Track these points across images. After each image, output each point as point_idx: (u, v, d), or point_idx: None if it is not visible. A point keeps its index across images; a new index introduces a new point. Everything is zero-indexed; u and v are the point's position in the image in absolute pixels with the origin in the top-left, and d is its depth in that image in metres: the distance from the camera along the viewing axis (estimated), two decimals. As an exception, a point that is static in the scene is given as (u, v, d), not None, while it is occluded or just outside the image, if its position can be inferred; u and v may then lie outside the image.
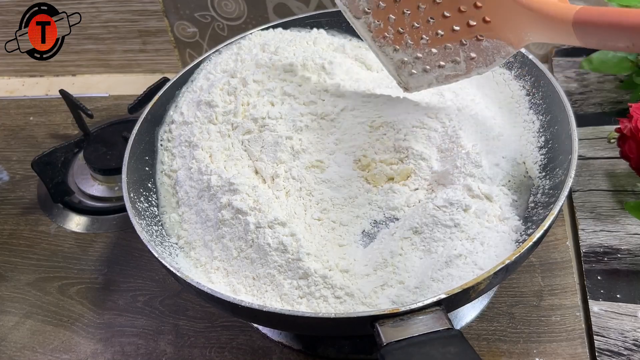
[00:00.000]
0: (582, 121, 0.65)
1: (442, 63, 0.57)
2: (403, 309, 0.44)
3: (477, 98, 0.66)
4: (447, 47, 0.56)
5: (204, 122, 0.64)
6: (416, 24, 0.56)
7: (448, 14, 0.54)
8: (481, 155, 0.57)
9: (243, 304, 0.48)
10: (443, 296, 0.45)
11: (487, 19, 0.52)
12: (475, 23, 0.53)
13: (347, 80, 0.65)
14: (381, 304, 0.50)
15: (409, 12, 0.56)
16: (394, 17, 0.57)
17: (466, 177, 0.57)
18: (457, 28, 0.54)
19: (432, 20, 0.55)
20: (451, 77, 0.58)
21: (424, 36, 0.56)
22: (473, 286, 0.46)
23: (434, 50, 0.57)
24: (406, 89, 0.61)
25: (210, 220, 0.57)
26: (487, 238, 0.53)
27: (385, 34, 0.58)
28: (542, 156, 0.59)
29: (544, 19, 0.48)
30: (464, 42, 0.55)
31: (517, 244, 0.53)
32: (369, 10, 0.57)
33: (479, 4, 0.52)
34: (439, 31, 0.55)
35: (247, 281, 0.54)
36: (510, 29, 0.52)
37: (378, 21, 0.58)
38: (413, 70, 0.59)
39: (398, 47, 0.58)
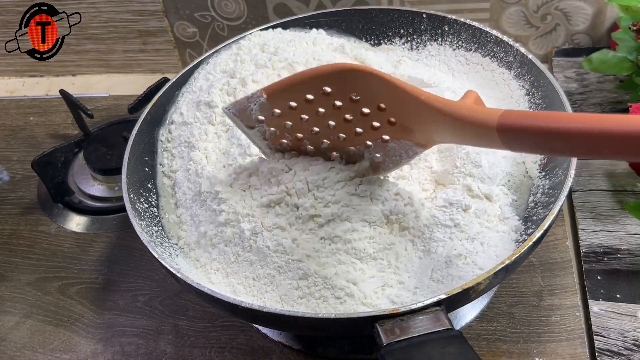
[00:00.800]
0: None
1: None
2: (403, 309, 0.44)
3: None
4: (350, 149, 0.52)
5: (203, 123, 0.64)
6: (315, 129, 0.52)
7: (350, 117, 0.50)
8: (481, 155, 0.57)
9: (243, 304, 0.48)
10: (443, 296, 0.45)
11: (392, 120, 0.48)
12: (379, 125, 0.49)
13: None
14: (381, 304, 0.50)
15: (306, 117, 0.51)
16: (290, 124, 0.52)
17: (466, 177, 0.57)
18: (359, 130, 0.50)
19: (332, 124, 0.51)
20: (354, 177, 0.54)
21: (324, 140, 0.53)
22: (473, 286, 0.46)
23: (334, 153, 0.54)
24: None
25: (204, 225, 0.57)
26: (487, 238, 0.53)
27: (283, 140, 0.54)
28: (542, 156, 0.59)
29: (464, 125, 0.44)
30: (369, 144, 0.51)
31: (517, 243, 0.53)
32: (262, 119, 0.53)
33: (382, 105, 0.48)
34: (341, 135, 0.52)
35: (247, 282, 0.54)
36: (421, 131, 0.48)
37: (273, 129, 0.53)
38: None
39: (297, 153, 0.55)
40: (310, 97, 0.49)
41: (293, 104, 0.51)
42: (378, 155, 0.52)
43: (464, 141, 0.48)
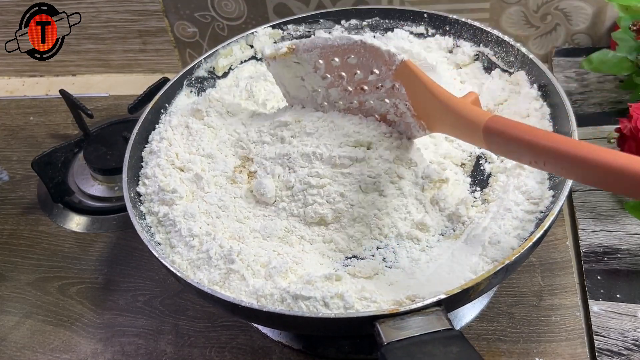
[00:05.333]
0: (582, 121, 0.65)
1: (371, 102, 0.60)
2: (403, 309, 0.44)
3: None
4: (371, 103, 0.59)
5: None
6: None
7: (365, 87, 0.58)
8: None
9: (243, 304, 0.48)
10: (443, 296, 0.45)
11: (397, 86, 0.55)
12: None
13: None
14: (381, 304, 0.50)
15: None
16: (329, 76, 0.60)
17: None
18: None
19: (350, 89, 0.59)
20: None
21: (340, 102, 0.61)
22: (473, 286, 0.46)
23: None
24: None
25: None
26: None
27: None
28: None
29: (458, 118, 0.50)
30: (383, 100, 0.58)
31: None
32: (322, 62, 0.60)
33: (397, 85, 0.55)
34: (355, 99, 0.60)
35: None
36: (424, 113, 0.55)
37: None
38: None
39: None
40: (337, 60, 0.58)
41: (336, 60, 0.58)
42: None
43: (454, 133, 0.53)
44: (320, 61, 0.59)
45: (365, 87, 0.58)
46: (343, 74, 0.59)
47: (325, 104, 0.62)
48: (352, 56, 0.57)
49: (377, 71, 0.56)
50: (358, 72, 0.57)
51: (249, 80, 0.72)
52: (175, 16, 0.93)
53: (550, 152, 0.43)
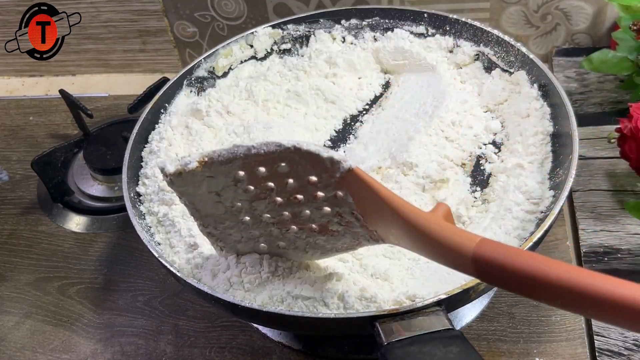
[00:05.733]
0: (582, 121, 0.65)
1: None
2: (403, 309, 0.44)
3: (475, 97, 0.67)
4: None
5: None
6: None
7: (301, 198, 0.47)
8: None
9: (243, 303, 0.48)
10: (443, 296, 0.45)
11: (354, 212, 0.45)
12: (334, 212, 0.46)
13: None
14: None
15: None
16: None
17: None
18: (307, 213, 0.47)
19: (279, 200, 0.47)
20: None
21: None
22: (473, 286, 0.46)
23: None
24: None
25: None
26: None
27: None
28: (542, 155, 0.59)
29: (435, 244, 0.40)
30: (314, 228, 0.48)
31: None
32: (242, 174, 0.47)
33: (340, 193, 0.45)
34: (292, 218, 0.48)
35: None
36: (384, 227, 0.45)
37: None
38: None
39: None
40: (263, 170, 0.46)
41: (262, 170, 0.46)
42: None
43: (428, 256, 0.42)
44: (241, 172, 0.46)
45: (300, 197, 0.46)
46: (271, 184, 0.46)
47: (248, 218, 0.49)
48: (283, 164, 0.45)
49: (315, 179, 0.45)
50: (290, 181, 0.46)
51: (248, 80, 0.72)
52: (175, 16, 0.93)
53: (558, 286, 0.34)
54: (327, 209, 0.46)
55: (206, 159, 0.46)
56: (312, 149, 0.43)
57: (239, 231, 0.51)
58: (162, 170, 0.48)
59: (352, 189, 0.44)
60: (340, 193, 0.45)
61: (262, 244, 0.52)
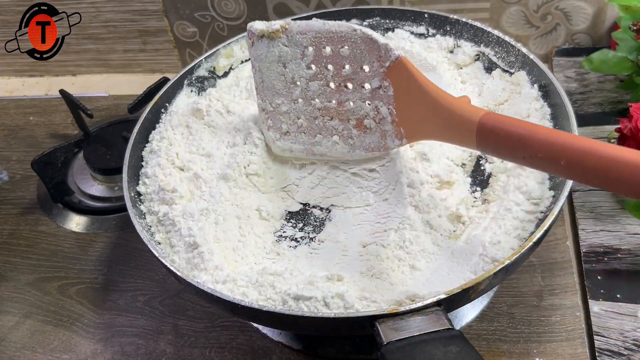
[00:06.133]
0: (582, 121, 0.65)
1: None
2: (403, 308, 0.44)
3: (475, 97, 0.67)
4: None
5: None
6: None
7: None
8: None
9: (243, 303, 0.48)
10: (443, 296, 0.45)
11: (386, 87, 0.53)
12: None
13: None
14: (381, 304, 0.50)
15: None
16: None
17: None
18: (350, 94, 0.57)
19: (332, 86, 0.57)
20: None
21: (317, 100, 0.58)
22: (473, 286, 0.46)
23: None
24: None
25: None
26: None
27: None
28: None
29: (450, 116, 0.48)
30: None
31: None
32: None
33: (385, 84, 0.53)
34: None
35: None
36: (411, 121, 0.53)
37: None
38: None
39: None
40: (328, 49, 0.54)
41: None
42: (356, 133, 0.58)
43: (441, 135, 0.51)
44: (310, 48, 0.55)
45: (350, 85, 0.56)
46: (330, 67, 0.56)
47: (301, 100, 0.58)
48: (346, 47, 0.54)
49: (367, 68, 0.54)
50: (347, 66, 0.55)
51: (249, 80, 0.72)
52: (175, 16, 0.93)
53: (547, 144, 0.41)
54: (368, 103, 0.55)
55: (287, 25, 0.55)
56: (373, 35, 0.52)
57: (288, 113, 0.60)
58: (249, 29, 0.57)
59: (395, 81, 0.52)
60: (384, 84, 0.53)
61: (303, 134, 0.60)
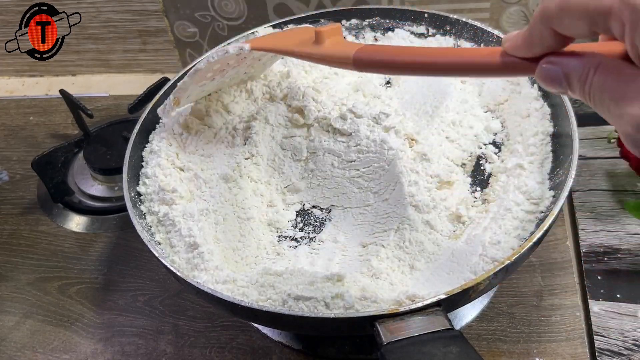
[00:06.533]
0: (582, 121, 0.65)
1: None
2: (403, 309, 0.44)
3: (475, 97, 0.67)
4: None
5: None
6: None
7: None
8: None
9: (243, 303, 0.48)
10: (443, 296, 0.45)
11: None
12: None
13: None
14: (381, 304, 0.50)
15: None
16: None
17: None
18: None
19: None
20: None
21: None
22: (473, 286, 0.46)
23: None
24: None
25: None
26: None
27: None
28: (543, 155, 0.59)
29: (327, 60, 0.53)
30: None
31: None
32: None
33: None
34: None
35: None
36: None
37: None
38: None
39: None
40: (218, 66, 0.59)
41: None
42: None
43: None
44: (209, 74, 0.61)
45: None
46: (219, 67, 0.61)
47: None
48: (229, 62, 0.60)
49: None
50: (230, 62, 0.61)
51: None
52: (175, 16, 0.93)
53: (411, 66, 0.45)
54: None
55: (177, 99, 0.62)
56: (229, 50, 0.57)
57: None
58: (162, 114, 0.63)
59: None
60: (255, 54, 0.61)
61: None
